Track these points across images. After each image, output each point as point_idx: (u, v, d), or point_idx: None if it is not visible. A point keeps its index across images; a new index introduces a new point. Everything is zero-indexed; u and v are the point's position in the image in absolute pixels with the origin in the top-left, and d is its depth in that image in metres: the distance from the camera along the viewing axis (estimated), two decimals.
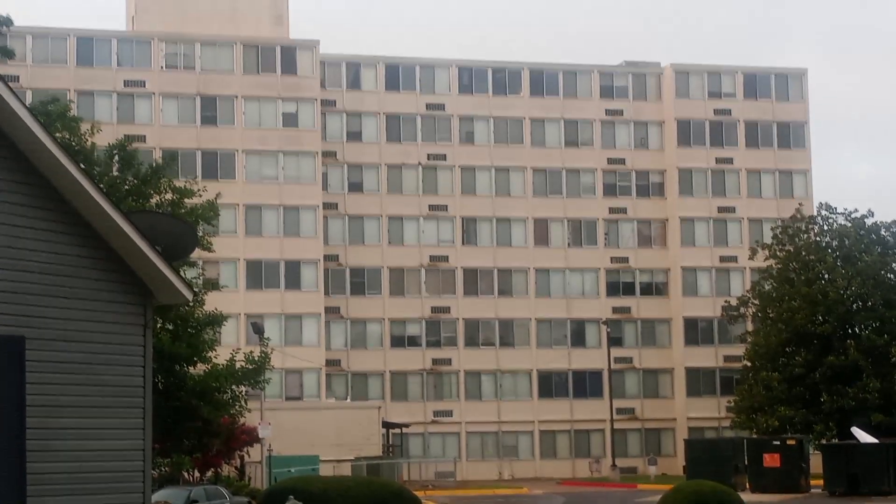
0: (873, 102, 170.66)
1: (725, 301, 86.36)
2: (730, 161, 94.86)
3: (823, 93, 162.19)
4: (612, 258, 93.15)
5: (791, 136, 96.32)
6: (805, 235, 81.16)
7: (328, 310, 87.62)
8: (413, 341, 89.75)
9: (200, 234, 46.02)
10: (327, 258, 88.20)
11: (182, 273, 26.98)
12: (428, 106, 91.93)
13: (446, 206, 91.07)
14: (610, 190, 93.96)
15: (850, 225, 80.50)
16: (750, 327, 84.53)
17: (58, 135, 42.65)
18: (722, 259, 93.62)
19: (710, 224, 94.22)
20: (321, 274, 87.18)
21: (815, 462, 62.83)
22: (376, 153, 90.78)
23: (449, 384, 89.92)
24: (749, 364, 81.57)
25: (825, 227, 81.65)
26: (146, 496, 20.10)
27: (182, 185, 48.53)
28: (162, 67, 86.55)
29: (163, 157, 58.66)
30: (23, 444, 18.22)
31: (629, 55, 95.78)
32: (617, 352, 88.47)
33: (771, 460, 59.09)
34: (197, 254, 41.50)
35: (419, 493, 47.72)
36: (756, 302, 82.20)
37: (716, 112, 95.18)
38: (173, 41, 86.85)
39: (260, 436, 56.44)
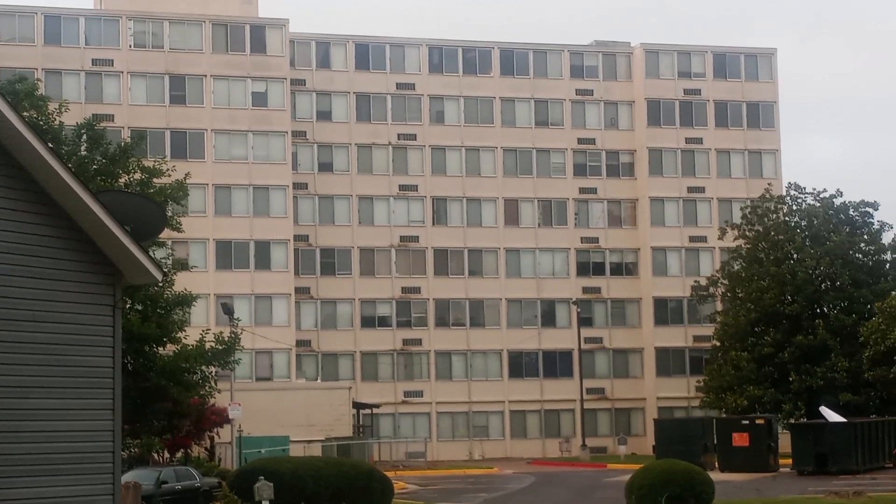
0: (842, 82, 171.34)
1: (695, 281, 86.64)
2: (699, 141, 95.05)
3: (793, 73, 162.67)
4: (582, 238, 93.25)
5: (760, 116, 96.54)
6: (774, 215, 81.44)
7: (298, 290, 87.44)
8: (383, 321, 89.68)
9: (169, 213, 45.83)
10: (297, 238, 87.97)
11: (151, 253, 26.83)
12: (398, 85, 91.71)
13: (417, 186, 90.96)
14: (580, 170, 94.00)
15: (818, 205, 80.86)
16: (719, 307, 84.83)
17: (25, 114, 42.35)
18: (691, 239, 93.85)
19: (679, 204, 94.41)
20: (291, 254, 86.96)
21: (784, 441, 63.14)
22: (346, 133, 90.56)
23: (419, 364, 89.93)
24: (718, 344, 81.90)
25: (794, 208, 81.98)
26: (116, 477, 20.00)
27: (151, 164, 48.33)
28: (130, 46, 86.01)
29: (131, 137, 58.28)
30: None
31: (599, 35, 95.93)
32: (587, 332, 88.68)
33: (740, 439, 59.38)
34: (166, 234, 41.34)
35: (390, 474, 47.68)
36: (725, 282, 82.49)
37: (685, 92, 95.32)
38: (141, 20, 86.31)
39: (230, 416, 56.32)
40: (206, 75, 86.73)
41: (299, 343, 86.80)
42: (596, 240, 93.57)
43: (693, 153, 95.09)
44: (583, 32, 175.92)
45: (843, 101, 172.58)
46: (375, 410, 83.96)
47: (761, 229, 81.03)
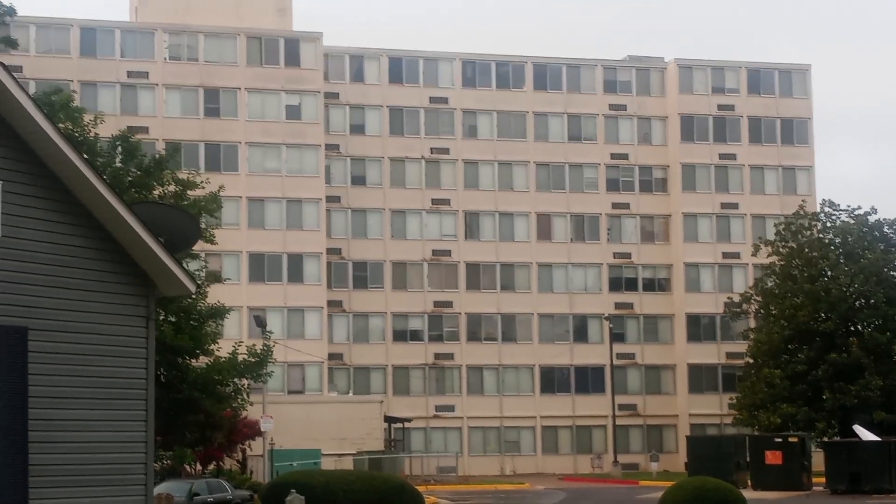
0: (877, 99, 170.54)
1: (728, 297, 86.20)
2: (733, 157, 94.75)
3: (827, 89, 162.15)
4: (614, 254, 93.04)
5: (794, 132, 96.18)
6: (808, 232, 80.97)
7: (330, 303, 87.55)
8: (415, 335, 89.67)
9: (203, 226, 45.92)
10: (330, 251, 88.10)
11: (185, 265, 26.85)
12: (431, 99, 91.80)
13: (449, 200, 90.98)
14: (613, 185, 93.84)
15: (852, 222, 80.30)
16: (752, 324, 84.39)
17: (61, 125, 42.52)
18: (725, 255, 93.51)
19: (713, 220, 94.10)
20: (324, 267, 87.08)
21: (817, 459, 62.77)
22: (379, 146, 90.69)
23: (451, 379, 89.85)
24: (751, 361, 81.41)
25: (828, 224, 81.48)
26: (148, 488, 20.02)
27: (185, 176, 48.45)
28: (165, 59, 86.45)
29: (166, 149, 58.51)
30: (25, 436, 18.13)
31: (633, 50, 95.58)
32: (619, 347, 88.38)
33: (773, 457, 59.01)
34: (199, 246, 41.43)
35: (421, 488, 47.62)
36: (758, 299, 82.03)
37: (719, 108, 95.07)
38: (177, 32, 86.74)
39: (262, 429, 56.34)
40: (240, 88, 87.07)
41: (331, 356, 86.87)
42: (629, 255, 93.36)
43: (727, 169, 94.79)
44: (616, 47, 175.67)
45: (878, 117, 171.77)
46: (407, 424, 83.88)
47: (795, 246, 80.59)
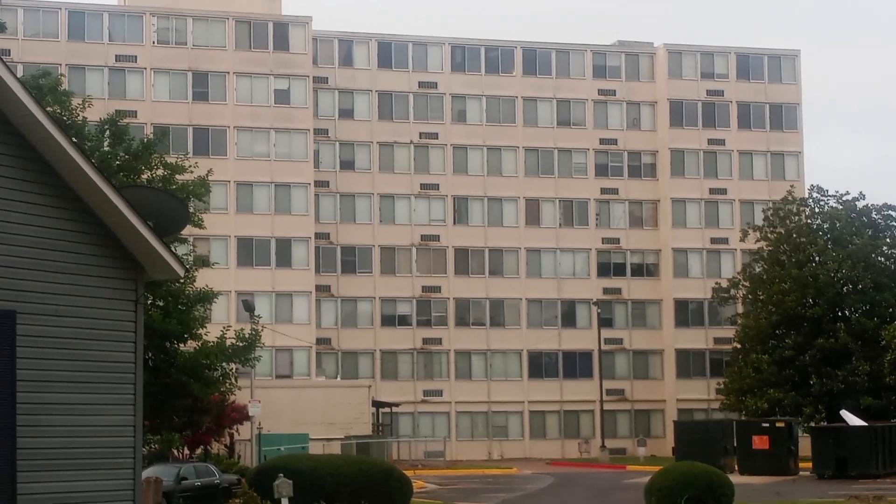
0: (866, 85, 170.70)
1: (716, 283, 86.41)
2: (722, 142, 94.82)
3: (816, 75, 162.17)
4: (603, 239, 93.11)
5: (783, 117, 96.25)
6: (796, 218, 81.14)
7: (319, 288, 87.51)
8: (403, 320, 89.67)
9: (191, 210, 45.83)
10: (318, 236, 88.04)
11: (173, 249, 26.80)
12: (420, 84, 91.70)
13: (438, 185, 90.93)
14: (602, 170, 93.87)
15: (841, 207, 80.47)
16: (740, 309, 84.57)
17: (49, 109, 42.41)
18: (713, 241, 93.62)
19: (701, 205, 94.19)
20: (312, 252, 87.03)
21: (804, 445, 62.98)
22: (368, 131, 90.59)
23: (439, 364, 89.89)
24: (739, 346, 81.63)
25: (816, 210, 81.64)
26: (136, 472, 20.00)
27: (173, 161, 48.37)
28: (154, 42, 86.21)
29: (154, 133, 58.45)
30: (13, 420, 18.11)
31: (622, 35, 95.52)
32: (607, 333, 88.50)
33: (760, 442, 59.22)
34: (188, 230, 41.31)
35: (409, 473, 47.60)
36: (746, 284, 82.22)
37: (708, 93, 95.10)
38: (165, 16, 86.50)
39: (250, 414, 56.39)
40: (228, 72, 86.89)
41: (319, 341, 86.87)
42: (617, 240, 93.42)
43: (715, 154, 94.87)
44: (606, 32, 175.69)
45: (867, 103, 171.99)
46: (395, 409, 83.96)
47: (783, 231, 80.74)
